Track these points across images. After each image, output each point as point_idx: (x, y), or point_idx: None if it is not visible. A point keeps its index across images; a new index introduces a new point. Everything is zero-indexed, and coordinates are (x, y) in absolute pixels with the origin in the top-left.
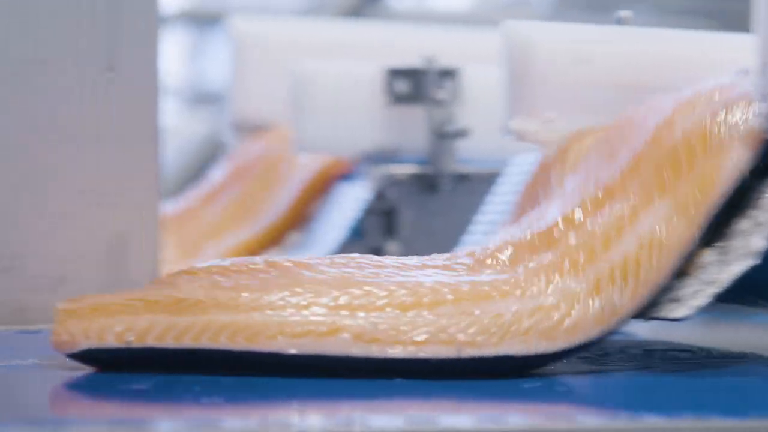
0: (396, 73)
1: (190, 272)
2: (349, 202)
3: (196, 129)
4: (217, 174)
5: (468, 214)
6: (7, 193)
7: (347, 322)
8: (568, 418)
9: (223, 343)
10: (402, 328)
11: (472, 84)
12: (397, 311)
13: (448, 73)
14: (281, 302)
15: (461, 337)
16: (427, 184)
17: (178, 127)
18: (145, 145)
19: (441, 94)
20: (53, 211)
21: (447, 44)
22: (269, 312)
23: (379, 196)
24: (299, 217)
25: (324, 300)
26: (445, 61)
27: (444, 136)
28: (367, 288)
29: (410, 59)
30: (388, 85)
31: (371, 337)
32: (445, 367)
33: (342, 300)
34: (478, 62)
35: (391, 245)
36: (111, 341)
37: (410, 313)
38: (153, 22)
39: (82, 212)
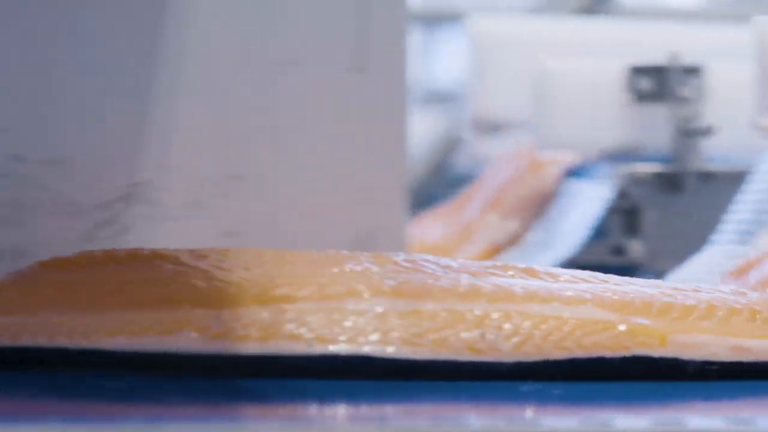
0: (639, 71)
1: (53, 264)
2: (590, 201)
3: (428, 127)
4: (473, 179)
5: (715, 213)
6: (259, 192)
7: (192, 317)
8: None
9: (60, 341)
10: (250, 324)
11: (717, 81)
12: (255, 306)
13: (692, 70)
14: (122, 298)
15: (308, 334)
16: (671, 182)
17: (410, 125)
18: (393, 145)
19: (686, 92)
20: (303, 211)
21: (686, 40)
22: (111, 309)
23: (622, 194)
24: (536, 216)
25: (170, 295)
26: (688, 58)
27: (689, 134)
28: (216, 284)
29: (650, 56)
30: (632, 83)
31: (215, 334)
32: (296, 363)
33: (191, 295)
34: (719, 58)
35: (634, 244)
36: None
37: (267, 308)
38: (401, 22)
39: (331, 210)
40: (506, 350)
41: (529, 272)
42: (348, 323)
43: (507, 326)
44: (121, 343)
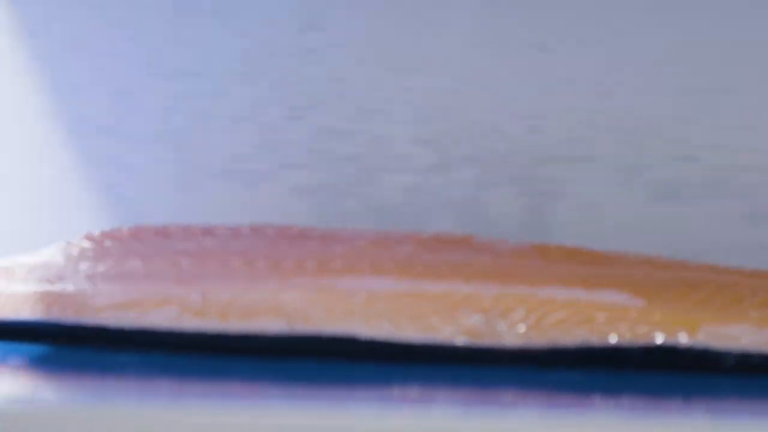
0: None
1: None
2: None
3: None
4: None
5: None
6: None
7: (177, 293)
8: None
9: (54, 314)
10: (236, 300)
11: None
12: (244, 283)
13: None
14: (112, 272)
15: (293, 312)
16: None
17: None
18: None
19: None
20: None
21: None
22: (104, 282)
23: None
24: None
25: (157, 270)
26: None
27: None
28: (203, 260)
29: None
30: None
31: (199, 310)
32: (279, 343)
33: (174, 272)
34: None
35: None
36: None
37: (256, 285)
38: None
39: None
40: (509, 336)
41: (574, 254)
42: (336, 302)
43: (515, 311)
44: (108, 318)
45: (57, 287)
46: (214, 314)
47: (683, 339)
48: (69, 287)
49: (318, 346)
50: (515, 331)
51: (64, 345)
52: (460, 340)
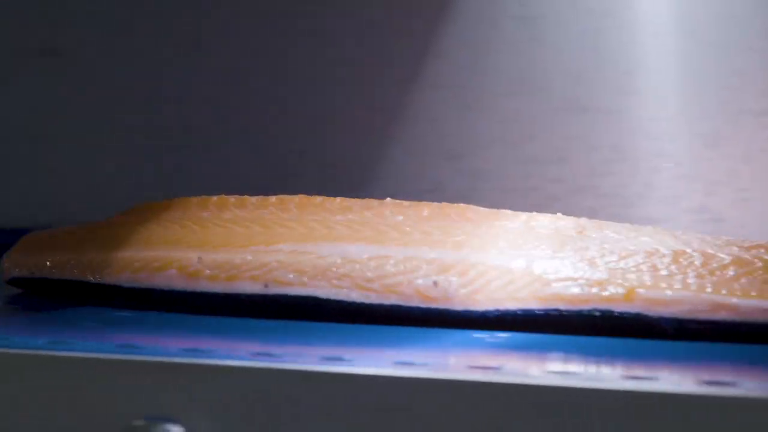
0: None
1: (130, 210)
2: None
3: None
4: None
5: None
6: None
7: (179, 256)
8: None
9: (95, 276)
10: (224, 264)
11: None
12: (231, 248)
13: None
14: (135, 238)
15: (266, 275)
16: None
17: None
18: None
19: None
20: None
21: None
22: (127, 247)
23: None
24: None
25: (169, 237)
26: None
27: None
28: (204, 226)
29: None
30: None
31: (194, 271)
32: (256, 302)
33: (181, 236)
34: None
35: None
36: (25, 272)
37: (239, 251)
38: None
39: None
40: (457, 299)
41: (559, 225)
42: (306, 267)
43: (463, 275)
44: (123, 279)
45: (94, 252)
46: (205, 277)
47: (618, 305)
48: (102, 251)
49: (291, 307)
50: (463, 294)
51: (97, 303)
52: (412, 302)
